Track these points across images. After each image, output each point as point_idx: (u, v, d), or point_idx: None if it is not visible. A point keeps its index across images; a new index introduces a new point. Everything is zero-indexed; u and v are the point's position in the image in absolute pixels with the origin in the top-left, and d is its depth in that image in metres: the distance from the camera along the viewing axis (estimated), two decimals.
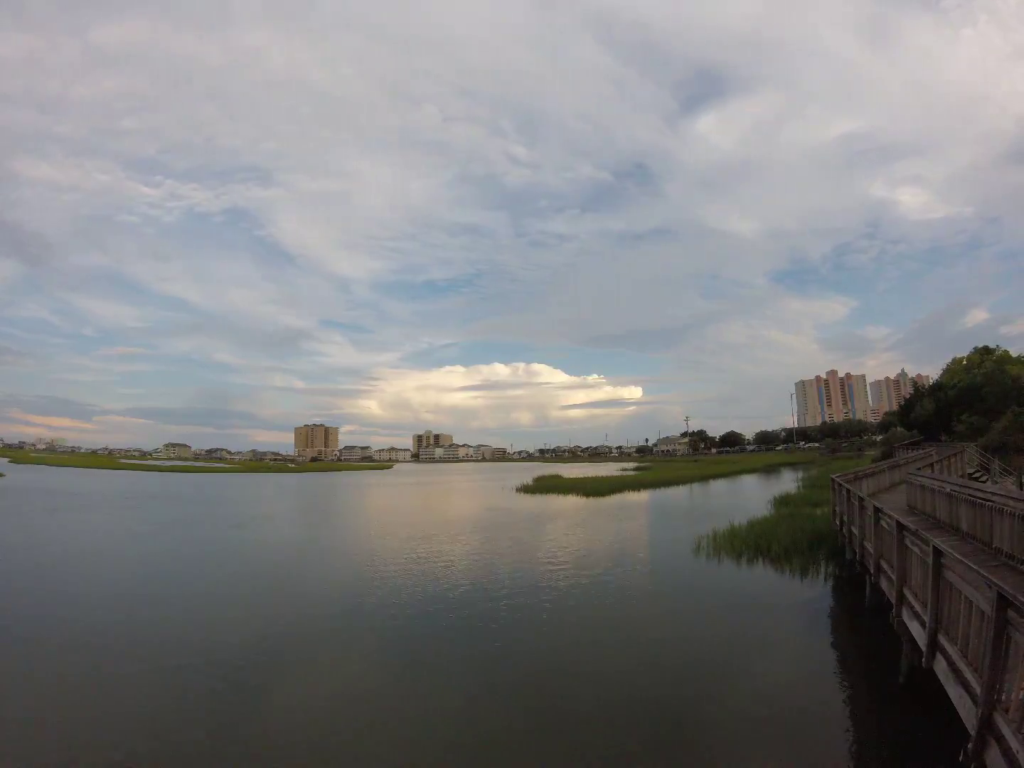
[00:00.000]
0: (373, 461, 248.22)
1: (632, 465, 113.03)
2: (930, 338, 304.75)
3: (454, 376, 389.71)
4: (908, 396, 71.80)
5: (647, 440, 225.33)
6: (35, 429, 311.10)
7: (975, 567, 5.31)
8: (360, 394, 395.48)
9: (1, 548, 21.45)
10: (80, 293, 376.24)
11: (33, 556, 19.97)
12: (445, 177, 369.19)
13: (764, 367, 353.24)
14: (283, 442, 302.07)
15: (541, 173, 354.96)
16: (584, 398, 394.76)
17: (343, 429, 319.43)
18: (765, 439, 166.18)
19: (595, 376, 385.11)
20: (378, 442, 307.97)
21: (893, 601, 8.62)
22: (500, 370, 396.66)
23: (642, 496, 44.87)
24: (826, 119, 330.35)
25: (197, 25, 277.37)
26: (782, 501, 30.06)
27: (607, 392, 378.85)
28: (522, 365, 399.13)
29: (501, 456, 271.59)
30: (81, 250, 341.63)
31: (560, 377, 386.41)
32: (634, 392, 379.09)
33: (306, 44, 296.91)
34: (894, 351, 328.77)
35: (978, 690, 4.89)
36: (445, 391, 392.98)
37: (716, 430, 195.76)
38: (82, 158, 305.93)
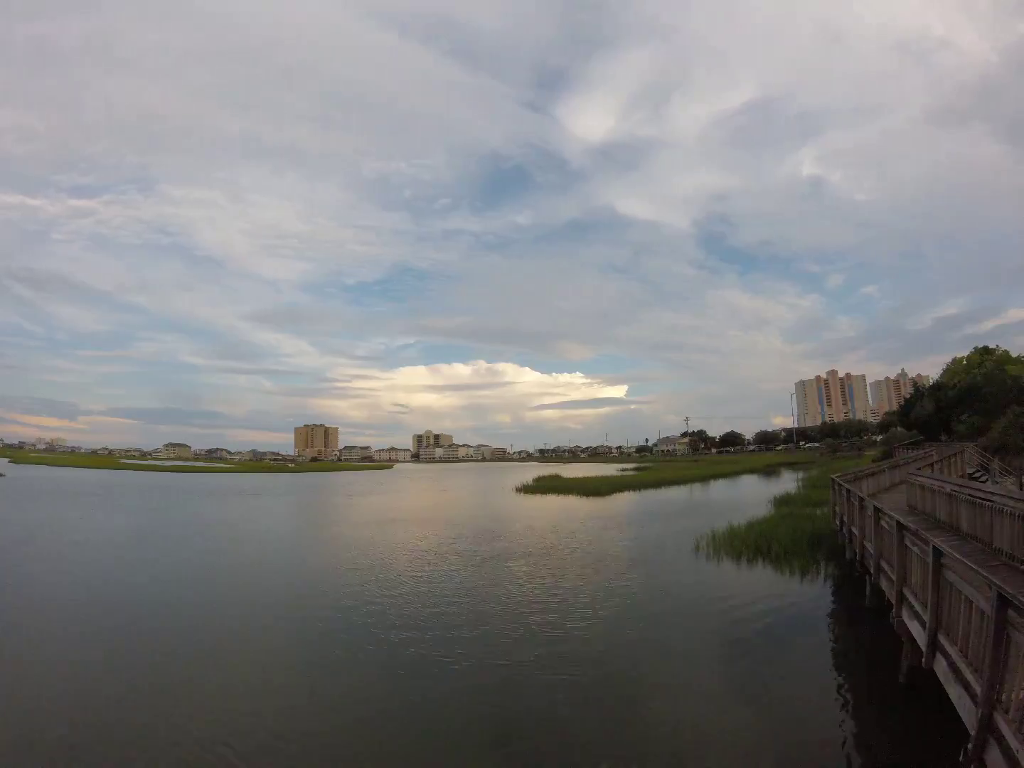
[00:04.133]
0: (373, 461, 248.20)
1: (632, 465, 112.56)
2: (896, 335, 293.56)
3: (417, 375, 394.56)
4: (908, 396, 71.79)
5: (647, 440, 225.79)
6: (26, 429, 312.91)
7: (975, 567, 5.31)
8: (332, 393, 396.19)
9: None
10: (43, 299, 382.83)
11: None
12: (336, 180, 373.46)
13: (743, 368, 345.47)
14: (282, 442, 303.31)
15: (394, 163, 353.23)
16: (561, 397, 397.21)
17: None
18: (765, 439, 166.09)
19: (566, 375, 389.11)
20: (365, 442, 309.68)
21: (893, 601, 8.62)
22: (461, 370, 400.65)
23: (642, 496, 44.81)
24: (723, 84, 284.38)
25: (29, 63, 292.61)
26: (782, 501, 30.04)
27: (583, 391, 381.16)
28: (483, 364, 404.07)
29: (501, 456, 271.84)
30: (13, 263, 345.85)
31: (531, 375, 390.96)
32: (618, 391, 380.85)
33: (121, 73, 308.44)
34: (860, 350, 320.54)
35: (978, 690, 4.89)
36: (413, 391, 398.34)
37: (708, 429, 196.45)
38: None
